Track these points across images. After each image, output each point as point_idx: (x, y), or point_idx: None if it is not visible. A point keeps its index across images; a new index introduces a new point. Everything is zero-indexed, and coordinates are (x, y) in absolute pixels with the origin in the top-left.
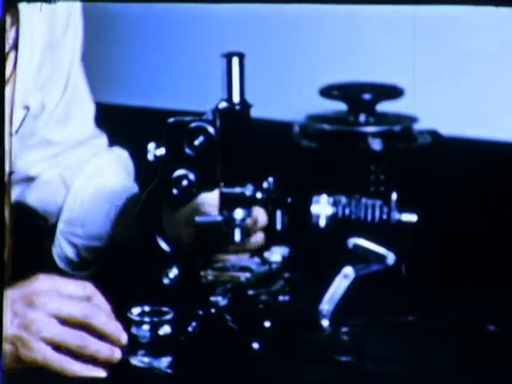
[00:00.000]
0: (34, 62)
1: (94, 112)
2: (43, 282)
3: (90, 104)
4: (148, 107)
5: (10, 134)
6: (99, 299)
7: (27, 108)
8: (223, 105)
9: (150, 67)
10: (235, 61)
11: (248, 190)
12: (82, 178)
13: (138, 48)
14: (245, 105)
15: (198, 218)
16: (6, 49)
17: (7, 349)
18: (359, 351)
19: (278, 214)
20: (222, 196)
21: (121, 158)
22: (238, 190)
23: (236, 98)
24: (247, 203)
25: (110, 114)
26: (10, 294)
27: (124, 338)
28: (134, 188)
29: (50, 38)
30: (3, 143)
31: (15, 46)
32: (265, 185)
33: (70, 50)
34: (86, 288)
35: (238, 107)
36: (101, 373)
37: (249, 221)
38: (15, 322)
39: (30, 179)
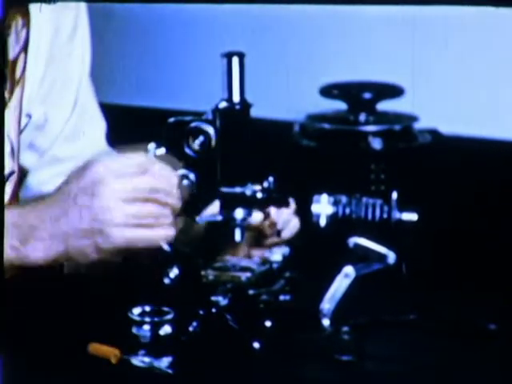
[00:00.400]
0: (39, 69)
1: (105, 129)
2: (98, 170)
3: (101, 121)
4: (148, 107)
5: (19, 134)
6: (156, 168)
7: (29, 116)
8: (223, 104)
9: (150, 67)
10: (235, 60)
11: (248, 190)
12: None
13: (138, 48)
14: (245, 104)
15: (198, 218)
16: (16, 50)
17: (84, 245)
18: (360, 350)
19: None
20: (222, 196)
21: None
22: (238, 189)
23: (236, 98)
24: (248, 203)
25: (110, 114)
26: (70, 189)
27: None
28: None
29: (55, 46)
30: (3, 143)
31: (25, 49)
32: (265, 185)
33: (77, 61)
34: (140, 161)
35: (238, 107)
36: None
37: (266, 223)
38: (85, 215)
39: None
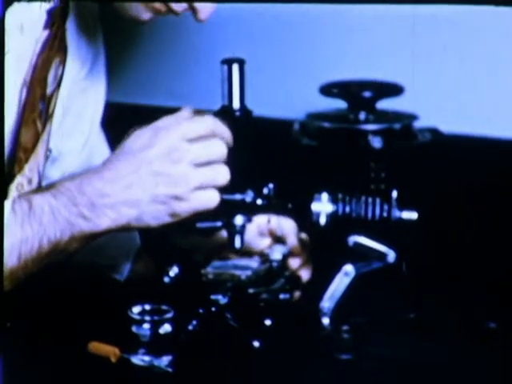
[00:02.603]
0: (62, 104)
1: None
2: (172, 137)
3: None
4: (148, 105)
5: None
6: (222, 129)
7: (50, 150)
8: (223, 111)
9: (150, 66)
10: (235, 67)
11: (248, 197)
12: None
13: (139, 47)
14: (245, 111)
15: (198, 224)
16: (52, 87)
17: (158, 210)
18: (359, 349)
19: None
20: (222, 202)
21: None
22: (238, 196)
23: (236, 105)
24: (247, 209)
25: (110, 113)
26: (144, 156)
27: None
28: None
29: (76, 81)
30: (3, 143)
31: (58, 86)
32: (265, 191)
33: (92, 97)
34: (208, 124)
35: (238, 113)
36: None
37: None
38: (162, 182)
39: None
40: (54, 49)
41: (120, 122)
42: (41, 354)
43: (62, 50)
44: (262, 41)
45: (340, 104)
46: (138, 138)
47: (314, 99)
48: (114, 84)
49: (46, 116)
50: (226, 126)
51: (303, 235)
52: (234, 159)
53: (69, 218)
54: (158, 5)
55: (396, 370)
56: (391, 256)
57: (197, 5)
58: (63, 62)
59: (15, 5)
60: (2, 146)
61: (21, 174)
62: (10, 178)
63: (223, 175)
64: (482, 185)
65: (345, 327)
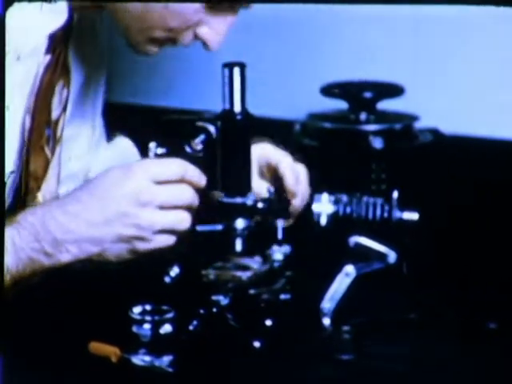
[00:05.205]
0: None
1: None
2: (138, 178)
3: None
4: (149, 106)
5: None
6: (192, 173)
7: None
8: (225, 115)
9: (152, 66)
10: (236, 71)
11: (249, 200)
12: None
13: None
14: (246, 115)
15: (199, 227)
16: (58, 111)
17: (121, 248)
18: (360, 350)
19: (279, 223)
20: (223, 206)
21: (126, 147)
22: (238, 199)
23: (237, 108)
24: (248, 213)
25: (112, 113)
26: (110, 195)
27: None
28: None
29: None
30: (3, 142)
31: (64, 109)
32: (266, 194)
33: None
34: (177, 168)
35: (239, 117)
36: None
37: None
38: (127, 222)
39: None
40: (56, 73)
41: (120, 121)
42: (41, 354)
43: (65, 73)
44: (264, 41)
45: (341, 105)
46: (107, 176)
47: (315, 100)
48: (115, 85)
49: (54, 141)
50: (196, 169)
51: (299, 168)
52: (234, 162)
53: (31, 255)
54: (164, 38)
55: (397, 371)
56: (392, 256)
57: (206, 36)
58: (67, 85)
59: (13, 32)
60: (2, 145)
61: (34, 204)
62: (25, 208)
63: (185, 222)
64: (482, 185)
65: (345, 328)
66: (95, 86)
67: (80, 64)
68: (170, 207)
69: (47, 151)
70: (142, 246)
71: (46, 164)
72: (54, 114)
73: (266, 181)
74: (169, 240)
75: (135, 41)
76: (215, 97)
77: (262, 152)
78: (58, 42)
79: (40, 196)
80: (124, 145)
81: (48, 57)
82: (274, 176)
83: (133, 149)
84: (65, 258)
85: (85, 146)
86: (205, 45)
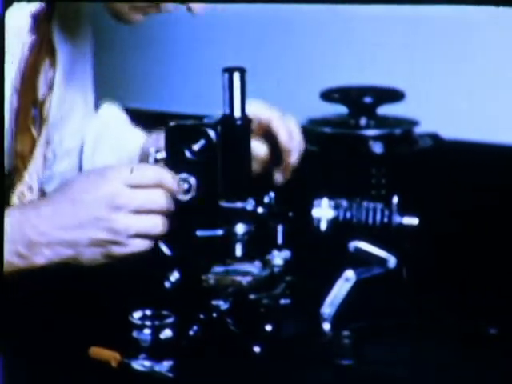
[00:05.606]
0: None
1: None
2: (112, 182)
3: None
4: (148, 110)
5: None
6: (168, 179)
7: (53, 154)
8: (225, 120)
9: (151, 70)
10: (236, 75)
11: (249, 205)
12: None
13: (139, 51)
14: (246, 120)
15: (199, 232)
16: (44, 91)
17: (95, 252)
18: (360, 355)
19: (280, 228)
20: (223, 210)
21: (114, 114)
22: (239, 204)
23: (237, 113)
24: (249, 218)
25: None
26: (85, 199)
27: None
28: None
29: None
30: (3, 143)
31: (50, 88)
32: (266, 199)
33: (78, 87)
34: (153, 174)
35: (239, 122)
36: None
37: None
38: (101, 226)
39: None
40: (41, 52)
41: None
42: (41, 359)
43: (51, 52)
44: (263, 46)
45: (341, 109)
46: (83, 179)
47: (314, 105)
48: (114, 89)
49: (41, 121)
50: (171, 175)
51: (290, 123)
52: (234, 167)
53: (6, 257)
54: (147, 5)
55: (396, 376)
56: (392, 262)
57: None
58: (53, 64)
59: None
60: (1, 145)
61: (21, 183)
62: (11, 188)
63: (160, 227)
64: (482, 190)
65: (345, 333)
66: (83, 64)
67: (65, 42)
68: (145, 212)
69: (34, 131)
70: (116, 251)
71: (33, 144)
72: (41, 94)
73: (258, 139)
74: (143, 244)
75: (119, 10)
76: (215, 101)
77: (252, 110)
78: (42, 21)
79: (27, 176)
80: (112, 112)
81: (32, 37)
82: (265, 133)
83: (121, 115)
84: (39, 260)
85: (79, 123)
86: (189, 9)
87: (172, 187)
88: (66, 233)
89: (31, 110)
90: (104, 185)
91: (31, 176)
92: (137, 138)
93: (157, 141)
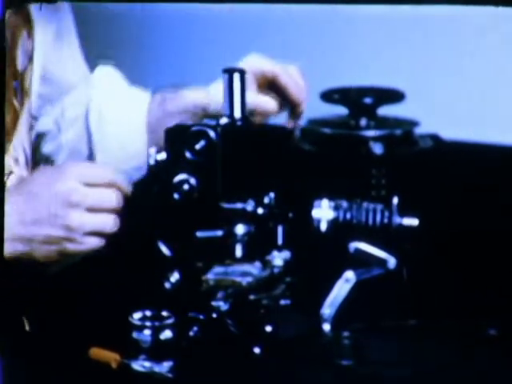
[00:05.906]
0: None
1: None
2: (68, 179)
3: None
4: None
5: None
6: (120, 179)
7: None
8: (224, 121)
9: (152, 69)
10: (236, 76)
11: (249, 206)
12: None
13: (139, 50)
14: (246, 121)
15: (199, 233)
16: (24, 62)
17: (50, 250)
18: (360, 355)
19: (280, 229)
20: (223, 211)
21: (109, 73)
22: (239, 205)
23: (237, 114)
24: (249, 219)
25: None
26: (42, 194)
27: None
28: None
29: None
30: (3, 143)
31: (30, 60)
32: (266, 200)
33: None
34: (107, 173)
35: (239, 123)
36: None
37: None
38: (56, 223)
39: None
40: (17, 24)
41: None
42: (41, 360)
43: (28, 24)
44: (262, 47)
45: (341, 110)
46: (38, 176)
47: (314, 105)
48: None
49: (22, 93)
50: (123, 175)
51: (294, 72)
52: (234, 168)
53: None
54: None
55: (397, 377)
56: (392, 262)
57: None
58: (31, 36)
59: None
60: (2, 143)
61: (7, 155)
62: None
63: (112, 225)
64: (483, 191)
65: (345, 333)
66: (68, 34)
67: (43, 12)
68: (99, 210)
69: (16, 104)
70: (71, 248)
71: (16, 117)
72: (21, 66)
73: (264, 93)
74: (97, 242)
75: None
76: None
77: (254, 64)
78: None
79: (11, 148)
80: (107, 71)
81: (7, 8)
82: (271, 87)
83: (115, 73)
84: None
85: (77, 92)
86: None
87: (124, 187)
88: (23, 229)
89: (12, 82)
90: (60, 182)
91: (16, 148)
92: (141, 98)
93: (163, 101)
